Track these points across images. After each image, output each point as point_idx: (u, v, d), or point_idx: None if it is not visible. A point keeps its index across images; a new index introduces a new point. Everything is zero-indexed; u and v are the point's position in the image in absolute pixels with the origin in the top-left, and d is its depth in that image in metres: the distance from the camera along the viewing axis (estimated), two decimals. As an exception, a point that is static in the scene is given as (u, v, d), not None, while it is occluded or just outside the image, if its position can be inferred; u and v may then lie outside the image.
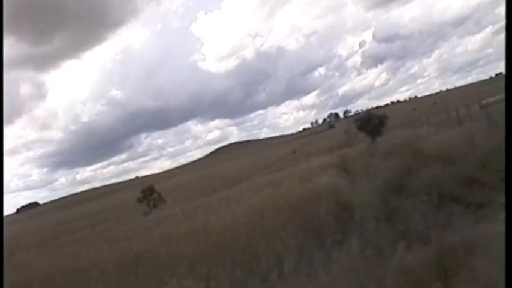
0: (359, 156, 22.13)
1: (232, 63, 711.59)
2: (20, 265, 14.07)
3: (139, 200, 50.16)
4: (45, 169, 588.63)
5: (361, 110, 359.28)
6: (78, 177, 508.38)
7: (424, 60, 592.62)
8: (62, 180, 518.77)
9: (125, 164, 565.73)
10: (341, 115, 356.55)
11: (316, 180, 14.33)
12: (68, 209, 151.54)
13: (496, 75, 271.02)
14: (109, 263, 8.79)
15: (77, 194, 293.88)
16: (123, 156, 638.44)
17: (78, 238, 32.28)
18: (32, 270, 11.86)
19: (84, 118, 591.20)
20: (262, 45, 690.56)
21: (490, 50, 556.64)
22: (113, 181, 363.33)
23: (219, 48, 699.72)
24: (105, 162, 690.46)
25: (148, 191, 49.66)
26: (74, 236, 39.20)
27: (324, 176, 15.20)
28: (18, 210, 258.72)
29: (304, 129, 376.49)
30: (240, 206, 12.24)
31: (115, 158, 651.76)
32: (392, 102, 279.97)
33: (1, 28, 4.16)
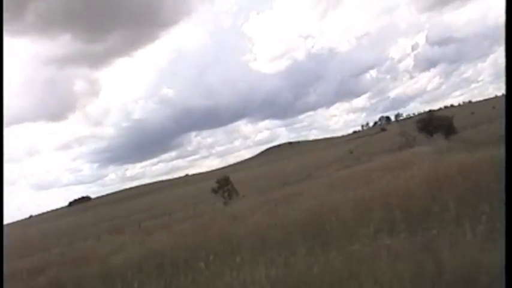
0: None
1: (283, 63, 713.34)
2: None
3: (214, 191, 49.76)
4: (96, 164, 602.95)
5: (413, 113, 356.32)
6: (128, 173, 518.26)
7: (479, 64, 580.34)
8: (112, 176, 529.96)
9: (174, 162, 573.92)
10: (392, 118, 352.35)
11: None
12: (129, 202, 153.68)
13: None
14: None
15: (127, 189, 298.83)
16: (173, 154, 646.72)
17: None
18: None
19: (136, 115, 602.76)
20: (313, 47, 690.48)
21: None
22: (162, 178, 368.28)
23: (270, 49, 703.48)
24: (154, 160, 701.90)
25: (224, 182, 49.21)
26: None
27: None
28: (70, 204, 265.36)
29: (354, 132, 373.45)
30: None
31: (164, 156, 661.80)
32: (446, 107, 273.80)
33: (1, 28, 3.75)
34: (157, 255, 11.18)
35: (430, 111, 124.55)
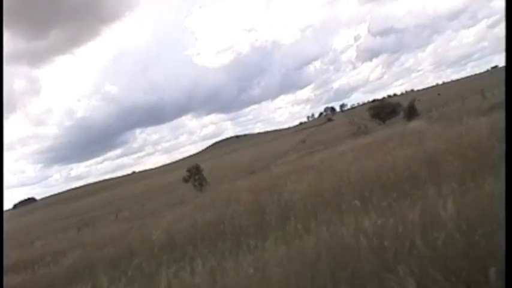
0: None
1: (227, 57, 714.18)
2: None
3: (185, 180, 49.57)
4: (40, 165, 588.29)
5: (357, 103, 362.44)
6: (73, 173, 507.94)
7: (419, 54, 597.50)
8: (57, 176, 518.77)
9: (120, 160, 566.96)
10: (338, 109, 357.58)
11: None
12: (79, 200, 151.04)
13: (492, 68, 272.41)
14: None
15: (73, 189, 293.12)
16: (118, 151, 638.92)
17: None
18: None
19: (79, 114, 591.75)
20: (257, 40, 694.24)
21: (485, 44, 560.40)
22: (108, 177, 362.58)
23: (213, 43, 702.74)
24: (99, 158, 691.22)
25: (194, 170, 49.10)
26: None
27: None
28: (15, 206, 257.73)
29: (300, 123, 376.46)
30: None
31: (110, 154, 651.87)
32: (389, 96, 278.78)
33: (1, 28, 4.15)
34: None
35: (383, 98, 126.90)
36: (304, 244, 5.52)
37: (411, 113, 54.39)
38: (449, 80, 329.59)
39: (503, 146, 3.05)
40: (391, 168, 11.26)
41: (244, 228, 10.19)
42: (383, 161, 13.22)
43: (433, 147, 12.54)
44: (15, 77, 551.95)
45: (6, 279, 14.03)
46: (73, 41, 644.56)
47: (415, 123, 29.78)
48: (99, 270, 10.95)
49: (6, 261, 20.35)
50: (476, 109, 26.35)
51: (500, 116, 12.71)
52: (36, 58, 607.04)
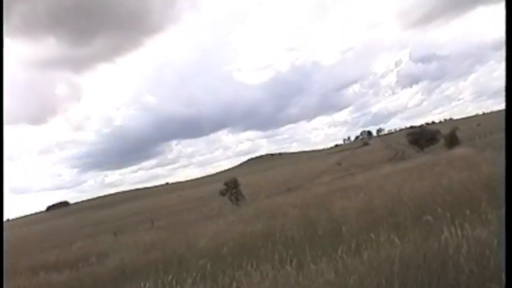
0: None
1: (266, 75, 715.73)
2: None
3: (222, 193, 49.54)
4: (76, 170, 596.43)
5: (395, 129, 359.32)
6: (107, 180, 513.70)
7: (460, 83, 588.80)
8: (91, 181, 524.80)
9: (154, 170, 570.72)
10: (374, 133, 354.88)
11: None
12: (111, 207, 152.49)
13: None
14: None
15: (107, 196, 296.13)
16: (153, 162, 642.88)
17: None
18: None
19: (117, 122, 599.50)
20: (297, 59, 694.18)
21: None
22: (141, 186, 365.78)
23: (254, 60, 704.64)
24: (134, 167, 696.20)
25: (232, 184, 49.07)
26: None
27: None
28: (48, 208, 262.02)
29: (336, 145, 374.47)
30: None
31: (144, 163, 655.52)
32: (427, 123, 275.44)
33: (1, 28, 4.11)
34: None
35: (421, 125, 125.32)
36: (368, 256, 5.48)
37: (452, 140, 53.28)
38: (489, 111, 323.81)
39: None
40: (446, 190, 11.11)
41: (296, 240, 10.13)
42: (436, 183, 13.06)
43: (489, 172, 12.34)
44: (57, 82, 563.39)
45: (50, 277, 14.22)
46: (116, 50, 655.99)
47: (460, 150, 29.27)
48: (150, 272, 11.05)
49: (47, 259, 20.71)
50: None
51: None
52: (79, 64, 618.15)
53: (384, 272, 4.61)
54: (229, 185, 49.11)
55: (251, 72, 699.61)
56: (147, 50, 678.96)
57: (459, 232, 5.31)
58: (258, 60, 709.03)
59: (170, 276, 6.52)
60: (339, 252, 6.11)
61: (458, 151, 29.18)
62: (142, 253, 15.47)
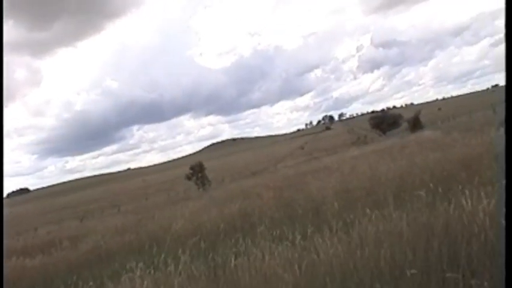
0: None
1: (229, 60, 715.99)
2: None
3: (188, 177, 49.15)
4: (35, 156, 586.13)
5: (356, 114, 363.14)
6: (68, 165, 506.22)
7: (421, 68, 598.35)
8: (51, 168, 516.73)
9: (115, 156, 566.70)
10: (336, 118, 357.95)
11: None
12: (75, 193, 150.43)
13: (493, 86, 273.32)
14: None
15: (67, 182, 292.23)
16: (114, 147, 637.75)
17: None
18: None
19: (78, 107, 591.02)
20: (260, 44, 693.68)
21: (486, 62, 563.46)
22: (103, 171, 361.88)
23: (216, 44, 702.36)
24: (95, 153, 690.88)
25: (198, 168, 48.68)
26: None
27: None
28: (8, 195, 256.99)
29: (298, 130, 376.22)
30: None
31: (106, 149, 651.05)
32: (388, 108, 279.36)
33: (1, 28, 4.08)
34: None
35: (382, 110, 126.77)
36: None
37: (416, 124, 53.87)
38: (449, 95, 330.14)
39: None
40: (423, 170, 11.22)
41: (277, 220, 10.10)
42: (411, 163, 13.17)
43: (463, 153, 12.50)
44: (16, 67, 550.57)
45: (22, 262, 13.90)
46: (77, 34, 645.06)
47: (427, 133, 29.64)
48: (128, 255, 10.92)
49: (14, 245, 20.28)
50: (487, 123, 26.14)
51: None
52: (38, 49, 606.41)
53: (390, 243, 4.62)
54: (195, 169, 48.83)
55: (213, 56, 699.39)
56: (109, 34, 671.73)
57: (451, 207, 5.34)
58: (220, 45, 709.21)
59: (163, 255, 6.38)
60: (333, 228, 6.08)
61: (425, 134, 29.54)
62: (116, 236, 15.26)
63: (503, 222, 2.94)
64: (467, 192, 5.34)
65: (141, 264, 6.42)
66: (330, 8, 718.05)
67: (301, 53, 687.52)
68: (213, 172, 53.58)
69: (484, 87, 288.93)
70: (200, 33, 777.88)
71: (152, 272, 6.10)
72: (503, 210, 2.98)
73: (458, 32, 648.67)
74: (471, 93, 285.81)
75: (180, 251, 6.29)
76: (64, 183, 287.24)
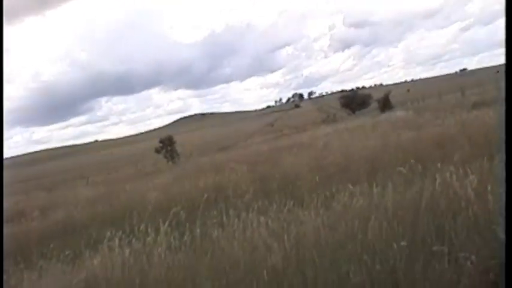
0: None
1: (200, 34, 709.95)
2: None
3: (157, 150, 48.72)
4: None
5: (326, 92, 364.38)
6: (34, 136, 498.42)
7: (391, 50, 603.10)
8: (17, 138, 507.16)
9: (83, 127, 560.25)
10: (305, 96, 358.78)
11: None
12: (43, 164, 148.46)
13: (461, 70, 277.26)
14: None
15: (34, 152, 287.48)
16: (82, 118, 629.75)
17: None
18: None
19: (45, 77, 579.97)
20: (231, 19, 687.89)
21: (455, 46, 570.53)
22: (70, 143, 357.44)
23: (188, 18, 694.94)
24: (63, 124, 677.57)
25: (167, 141, 48.24)
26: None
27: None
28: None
29: (268, 107, 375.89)
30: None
31: (73, 120, 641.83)
32: (357, 88, 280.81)
33: (1, 28, 4.10)
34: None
35: (352, 89, 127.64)
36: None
37: (385, 104, 54.22)
38: (417, 77, 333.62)
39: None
40: (397, 148, 11.33)
41: (252, 193, 10.05)
42: (384, 142, 13.29)
43: (437, 132, 12.68)
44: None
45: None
46: (46, 2, 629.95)
47: (399, 113, 29.89)
48: (102, 225, 10.84)
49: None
50: (458, 105, 26.46)
51: (488, 112, 12.95)
52: (7, 16, 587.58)
53: (376, 216, 4.67)
54: (165, 142, 48.41)
55: (184, 31, 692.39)
56: (79, 3, 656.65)
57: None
58: (192, 19, 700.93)
59: (143, 225, 6.33)
60: (314, 202, 6.11)
61: (397, 114, 29.79)
62: (88, 207, 15.14)
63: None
64: (451, 168, 5.41)
65: (119, 234, 6.39)
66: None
67: (273, 30, 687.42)
68: (181, 146, 53.13)
69: (452, 71, 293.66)
70: (172, 7, 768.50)
71: (132, 241, 6.06)
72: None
73: (429, 15, 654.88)
74: (439, 76, 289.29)
75: (160, 221, 6.22)
76: (30, 153, 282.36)
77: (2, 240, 4.90)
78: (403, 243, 3.99)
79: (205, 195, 9.90)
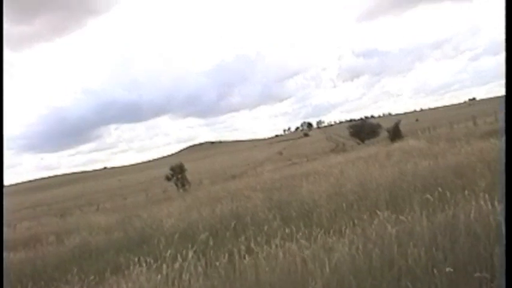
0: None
1: (210, 62, 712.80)
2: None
3: (168, 178, 48.88)
4: (11, 151, 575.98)
5: (335, 121, 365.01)
6: (43, 162, 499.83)
7: (400, 79, 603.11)
8: (27, 164, 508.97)
9: (92, 154, 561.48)
10: (314, 125, 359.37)
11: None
12: (52, 190, 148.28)
13: (470, 100, 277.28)
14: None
15: (43, 179, 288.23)
16: (91, 145, 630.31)
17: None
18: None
19: (56, 103, 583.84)
20: (242, 48, 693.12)
21: (464, 75, 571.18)
22: (79, 170, 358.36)
23: (198, 46, 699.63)
24: (72, 150, 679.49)
25: (178, 169, 48.43)
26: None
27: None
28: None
29: (276, 136, 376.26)
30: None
31: (82, 147, 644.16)
32: (366, 117, 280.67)
33: (1, 28, 4.16)
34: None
35: (361, 119, 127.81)
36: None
37: (396, 134, 54.01)
38: (426, 107, 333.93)
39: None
40: (415, 176, 11.28)
41: (271, 221, 10.01)
42: (401, 170, 13.22)
43: (456, 160, 12.64)
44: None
45: (6, 255, 13.65)
46: (58, 29, 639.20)
47: (412, 142, 29.78)
48: (118, 251, 10.82)
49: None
50: (470, 134, 26.38)
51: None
52: (18, 42, 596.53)
53: (414, 243, 4.65)
54: (176, 170, 48.65)
55: (194, 59, 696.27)
56: (90, 31, 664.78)
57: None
58: (202, 47, 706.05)
59: (169, 252, 6.32)
60: (342, 229, 6.09)
61: (410, 142, 29.68)
62: (102, 233, 15.12)
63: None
64: (483, 195, 5.40)
65: (146, 259, 6.38)
66: (312, 16, 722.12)
67: (283, 59, 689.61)
68: (190, 174, 53.32)
69: (461, 101, 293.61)
70: (183, 34, 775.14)
71: (162, 267, 6.03)
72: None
73: (438, 44, 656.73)
74: (448, 105, 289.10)
75: (188, 246, 6.21)
76: (39, 179, 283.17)
77: (2, 240, 4.89)
78: (448, 268, 3.96)
79: (219, 225, 9.93)
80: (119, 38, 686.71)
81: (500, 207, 4.89)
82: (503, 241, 2.87)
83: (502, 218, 3.09)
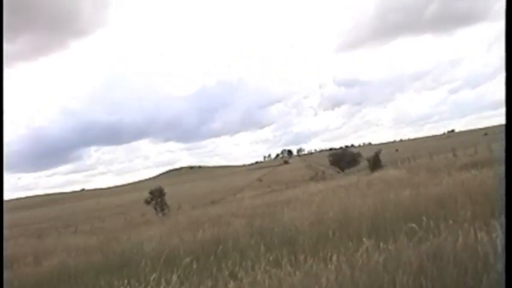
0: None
1: (192, 87, 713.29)
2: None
3: (147, 202, 48.51)
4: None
5: (315, 149, 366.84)
6: (20, 182, 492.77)
7: (380, 109, 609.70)
8: (3, 183, 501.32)
9: (70, 175, 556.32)
10: (294, 152, 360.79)
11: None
12: (28, 211, 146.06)
13: (449, 132, 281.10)
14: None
15: (19, 199, 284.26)
16: (70, 167, 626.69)
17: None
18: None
19: (35, 123, 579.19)
20: (224, 73, 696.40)
21: (444, 107, 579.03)
22: (57, 191, 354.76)
23: (180, 70, 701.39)
24: (49, 171, 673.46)
25: (157, 193, 48.11)
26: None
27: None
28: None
29: (256, 162, 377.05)
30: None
31: (61, 168, 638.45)
32: (347, 146, 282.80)
33: (1, 28, 4.27)
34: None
35: (341, 148, 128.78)
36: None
37: (376, 163, 54.53)
38: (406, 138, 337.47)
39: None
40: (398, 206, 11.33)
41: (255, 247, 9.96)
42: (383, 199, 13.27)
43: (437, 191, 12.75)
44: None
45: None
46: (41, 49, 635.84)
47: (392, 172, 30.07)
48: (99, 274, 10.69)
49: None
50: (450, 165, 26.62)
51: (487, 172, 13.11)
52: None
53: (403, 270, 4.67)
54: (155, 193, 48.38)
55: (176, 84, 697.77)
56: (73, 52, 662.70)
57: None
58: (184, 71, 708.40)
59: (154, 275, 6.26)
60: (328, 256, 6.10)
61: (390, 172, 29.95)
62: (81, 255, 14.93)
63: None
64: (467, 225, 5.46)
65: (133, 281, 6.32)
66: (294, 44, 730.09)
67: (264, 86, 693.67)
68: (169, 198, 53.07)
69: (441, 132, 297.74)
70: (165, 58, 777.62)
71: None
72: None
73: (419, 76, 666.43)
74: (428, 136, 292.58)
75: (174, 270, 6.17)
76: (16, 199, 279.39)
77: (2, 240, 4.86)
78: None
79: (206, 248, 9.89)
80: (102, 60, 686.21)
81: (486, 238, 4.95)
82: (497, 266, 2.88)
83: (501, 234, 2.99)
